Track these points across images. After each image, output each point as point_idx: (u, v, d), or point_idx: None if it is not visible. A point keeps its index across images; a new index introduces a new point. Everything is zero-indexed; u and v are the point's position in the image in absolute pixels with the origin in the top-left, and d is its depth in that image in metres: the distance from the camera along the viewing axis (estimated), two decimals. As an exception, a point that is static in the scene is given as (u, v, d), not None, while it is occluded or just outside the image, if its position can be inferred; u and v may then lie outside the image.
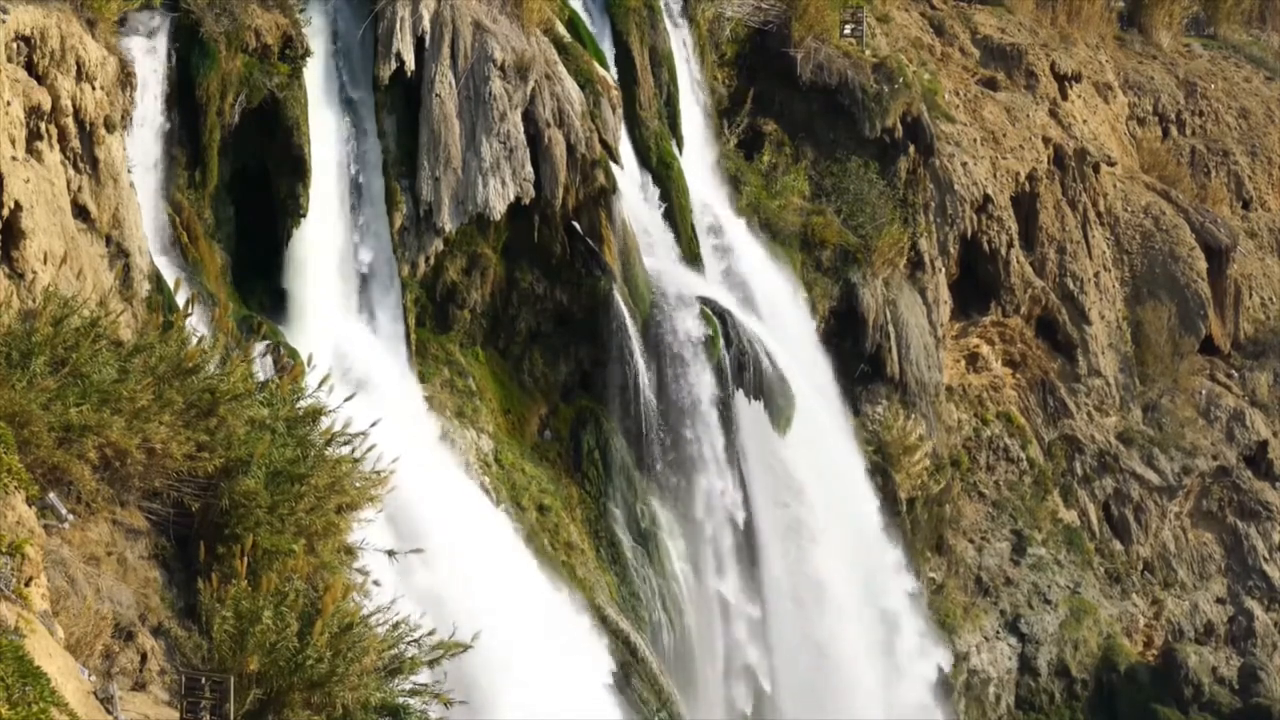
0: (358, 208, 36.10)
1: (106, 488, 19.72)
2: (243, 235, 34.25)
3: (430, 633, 19.96)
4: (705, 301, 40.83)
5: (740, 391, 40.62)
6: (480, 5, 37.55)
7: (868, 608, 44.03)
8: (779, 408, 41.33)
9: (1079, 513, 53.12)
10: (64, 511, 18.67)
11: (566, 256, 38.56)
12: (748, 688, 41.08)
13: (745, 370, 40.75)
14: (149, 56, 32.35)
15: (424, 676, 19.86)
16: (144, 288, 29.97)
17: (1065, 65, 58.38)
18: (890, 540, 45.41)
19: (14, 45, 27.72)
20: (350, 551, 21.79)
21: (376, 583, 21.70)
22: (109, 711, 16.27)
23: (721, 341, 40.38)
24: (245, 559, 19.01)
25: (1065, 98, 57.94)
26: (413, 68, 36.34)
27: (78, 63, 28.86)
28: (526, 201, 37.44)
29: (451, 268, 37.62)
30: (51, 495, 18.55)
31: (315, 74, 35.34)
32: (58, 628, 16.77)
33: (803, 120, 48.73)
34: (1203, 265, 57.25)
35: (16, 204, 26.29)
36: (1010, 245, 52.09)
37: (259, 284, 34.52)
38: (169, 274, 31.21)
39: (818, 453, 43.03)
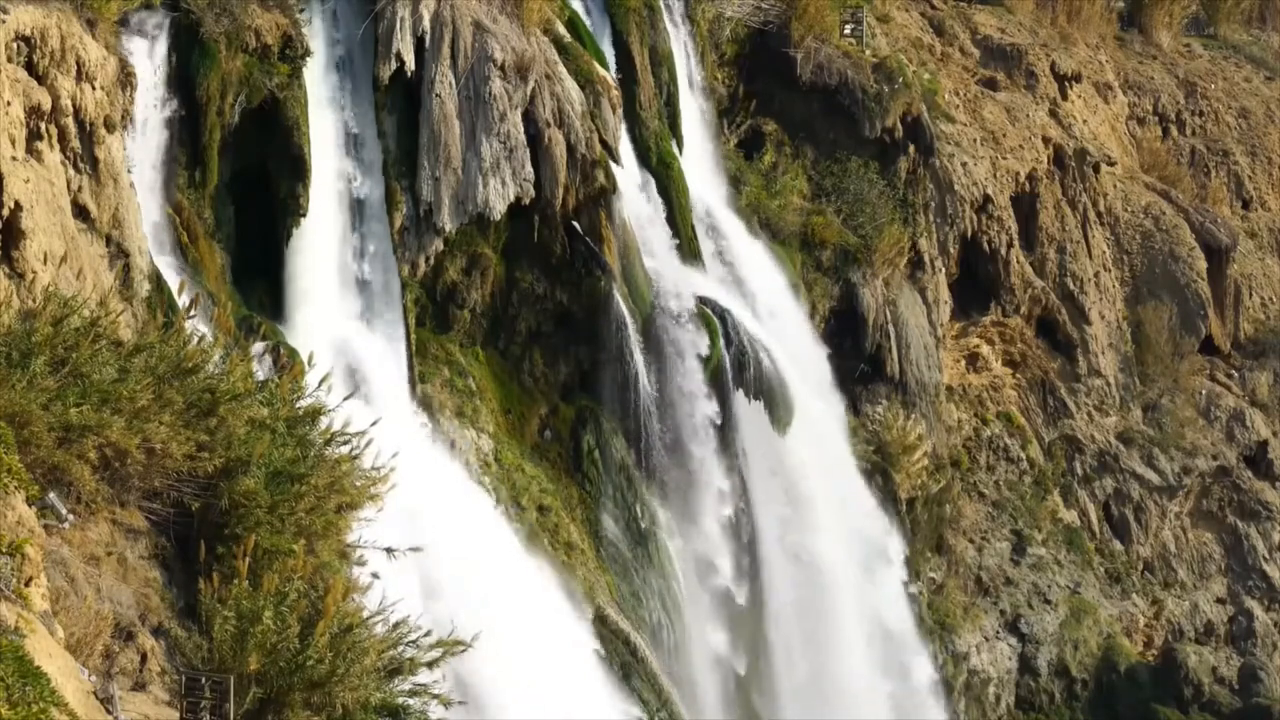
0: (357, 207, 36.11)
1: (106, 488, 19.71)
2: (243, 235, 34.26)
3: (427, 633, 19.95)
4: (705, 301, 40.83)
5: (740, 391, 40.62)
6: (480, 5, 37.55)
7: (867, 603, 44.03)
8: (779, 408, 41.33)
9: (1079, 513, 53.11)
10: (64, 511, 18.66)
11: (566, 256, 38.56)
12: (747, 684, 41.07)
13: (745, 370, 40.75)
14: (149, 56, 32.38)
15: (424, 676, 19.85)
16: (144, 288, 30.00)
17: (1065, 65, 58.37)
18: (889, 540, 45.41)
19: (14, 45, 27.74)
20: (350, 552, 21.78)
21: (375, 575, 21.68)
22: (109, 711, 16.26)
23: (721, 341, 40.38)
24: (245, 559, 18.99)
25: (1065, 98, 57.93)
26: (413, 68, 36.34)
27: (78, 63, 28.88)
28: (526, 201, 37.45)
29: (451, 268, 37.63)
30: (51, 495, 18.54)
31: (315, 74, 35.36)
32: (58, 628, 16.76)
33: (803, 120, 48.71)
34: (1203, 265, 57.24)
35: (16, 204, 26.32)
36: (1010, 245, 52.08)
37: (259, 284, 34.53)
38: (169, 274, 31.26)
39: (817, 452, 43.02)
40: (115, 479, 19.77)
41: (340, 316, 35.44)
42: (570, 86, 38.47)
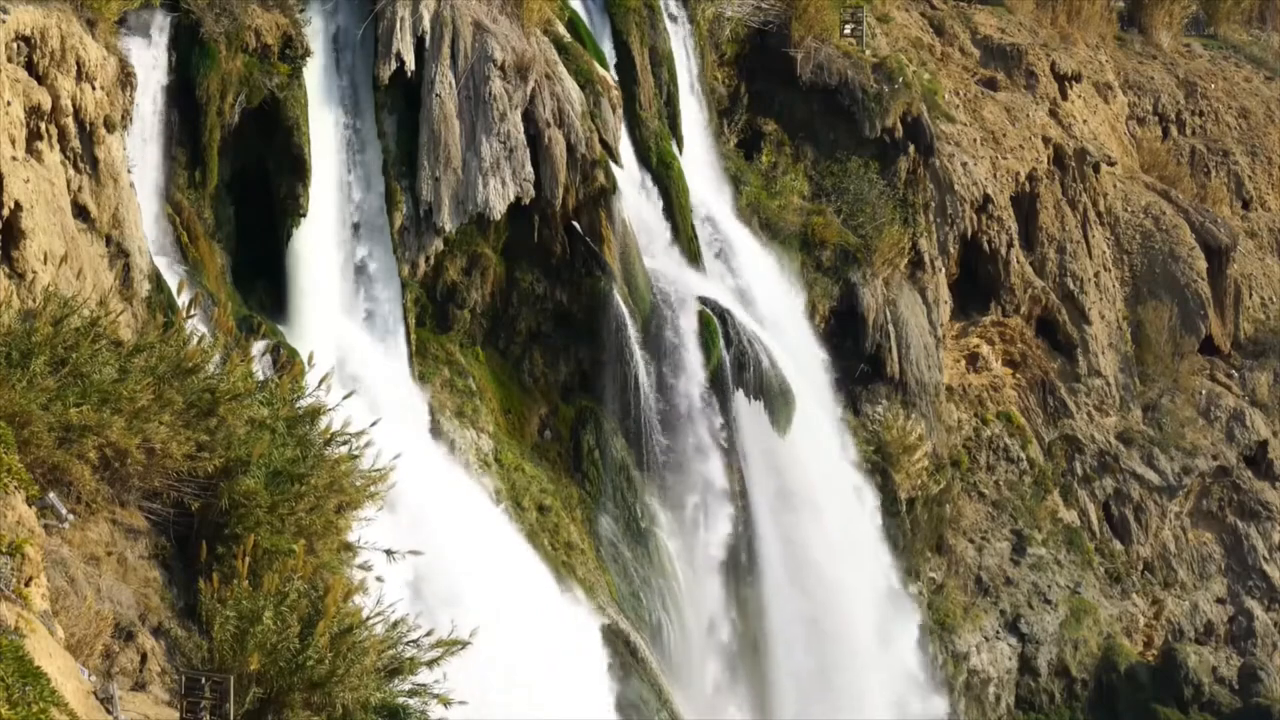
0: (358, 208, 36.11)
1: (106, 488, 19.69)
2: (243, 235, 34.29)
3: (428, 633, 19.95)
4: (705, 301, 40.84)
5: (740, 391, 40.62)
6: (480, 5, 37.56)
7: (868, 602, 44.03)
8: (779, 408, 41.33)
9: (1079, 513, 53.11)
10: (64, 511, 18.65)
11: (566, 256, 38.57)
12: (747, 684, 41.07)
13: (745, 370, 40.75)
14: (149, 56, 32.41)
15: (423, 676, 19.85)
16: (144, 288, 30.01)
17: (1065, 65, 58.38)
18: (889, 539, 45.41)
19: (14, 45, 27.74)
20: (349, 551, 21.76)
21: (379, 579, 21.68)
22: (109, 711, 16.26)
23: (721, 341, 40.38)
24: (245, 559, 18.98)
25: (1065, 98, 57.94)
26: (413, 68, 36.36)
27: (78, 63, 28.88)
28: (526, 201, 37.46)
29: (451, 268, 37.64)
30: (51, 495, 18.52)
31: (315, 74, 35.38)
32: (58, 628, 16.76)
33: (803, 120, 48.73)
34: (1203, 265, 57.25)
35: (16, 204, 26.33)
36: (1010, 245, 52.09)
37: (259, 284, 34.55)
38: (169, 274, 31.27)
39: (817, 452, 43.02)
40: (115, 479, 19.76)
41: (340, 316, 35.46)
42: (570, 86, 38.47)
